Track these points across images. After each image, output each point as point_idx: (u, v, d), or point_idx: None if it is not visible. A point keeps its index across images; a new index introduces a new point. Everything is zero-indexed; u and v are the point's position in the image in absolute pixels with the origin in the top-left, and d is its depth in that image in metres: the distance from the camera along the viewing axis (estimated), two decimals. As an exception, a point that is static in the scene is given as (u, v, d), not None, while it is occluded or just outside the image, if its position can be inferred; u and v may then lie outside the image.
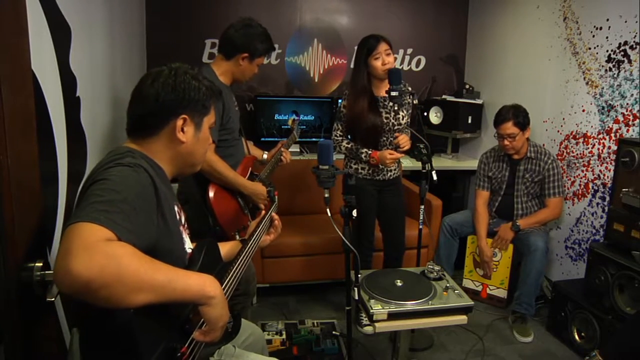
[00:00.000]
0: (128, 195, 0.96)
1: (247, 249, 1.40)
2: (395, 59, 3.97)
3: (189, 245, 1.25)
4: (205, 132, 1.26)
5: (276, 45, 3.73)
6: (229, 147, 2.16)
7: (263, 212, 1.66)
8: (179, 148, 1.20)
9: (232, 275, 1.26)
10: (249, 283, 2.28)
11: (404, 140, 2.51)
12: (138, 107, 1.19)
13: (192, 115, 1.20)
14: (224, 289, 1.19)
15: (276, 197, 1.84)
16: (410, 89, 2.68)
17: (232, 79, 2.17)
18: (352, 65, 3.86)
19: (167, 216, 1.11)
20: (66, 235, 0.88)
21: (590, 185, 2.88)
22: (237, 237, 1.67)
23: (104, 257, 0.85)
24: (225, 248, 1.52)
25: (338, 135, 2.67)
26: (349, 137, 2.69)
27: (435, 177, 2.38)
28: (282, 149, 2.47)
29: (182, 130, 1.19)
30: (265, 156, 2.51)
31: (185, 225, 1.28)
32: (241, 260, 1.34)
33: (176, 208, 1.22)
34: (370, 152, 2.56)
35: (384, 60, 2.48)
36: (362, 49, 2.52)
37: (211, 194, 2.05)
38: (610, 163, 2.72)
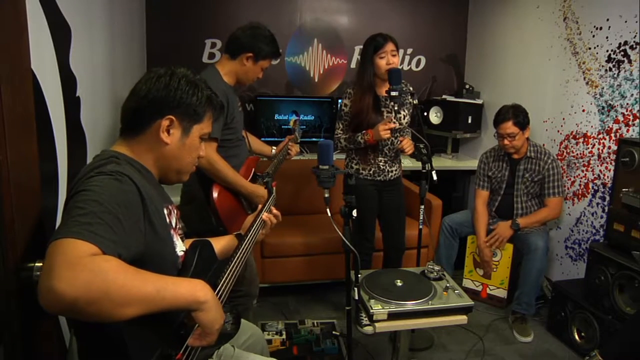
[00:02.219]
0: (111, 206, 0.94)
1: (244, 245, 1.39)
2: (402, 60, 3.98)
3: (180, 248, 1.22)
4: (193, 140, 1.22)
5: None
6: (233, 147, 2.16)
7: (260, 205, 1.64)
8: (162, 150, 1.18)
9: (229, 274, 1.25)
10: (251, 284, 2.27)
11: (408, 145, 2.51)
12: (128, 101, 1.19)
13: (180, 118, 1.17)
14: (220, 287, 1.18)
15: (274, 188, 1.82)
16: (411, 88, 2.68)
17: (236, 80, 2.17)
18: (352, 65, 3.92)
19: (155, 222, 1.08)
20: (49, 253, 0.86)
21: (590, 185, 2.88)
22: None
23: (89, 273, 0.83)
24: (221, 243, 1.50)
25: (338, 133, 2.67)
26: None
27: (435, 177, 2.38)
28: (290, 143, 2.49)
29: (168, 131, 1.17)
30: (273, 151, 2.53)
31: (177, 228, 1.26)
32: (238, 257, 1.33)
33: (166, 211, 1.19)
34: (364, 132, 2.54)
35: (389, 60, 2.48)
36: (369, 46, 2.51)
37: (215, 194, 2.05)
38: (610, 163, 2.72)
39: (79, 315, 0.84)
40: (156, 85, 1.16)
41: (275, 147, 2.55)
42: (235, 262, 1.31)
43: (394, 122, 2.47)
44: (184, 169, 1.26)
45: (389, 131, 2.46)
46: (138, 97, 1.16)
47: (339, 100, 3.69)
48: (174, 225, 1.23)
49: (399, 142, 2.55)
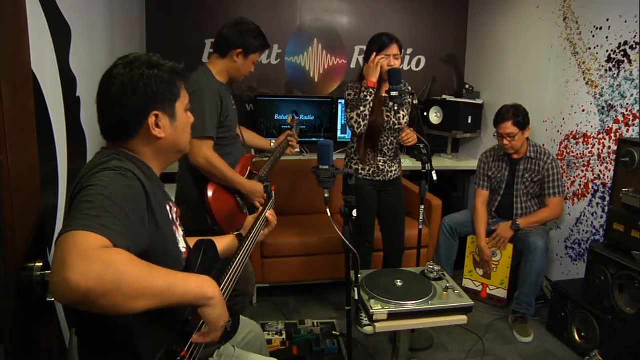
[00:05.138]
0: (118, 200, 0.95)
1: (245, 246, 1.40)
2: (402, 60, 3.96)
3: (183, 245, 1.23)
4: (182, 117, 1.20)
5: (275, 45, 3.74)
6: (227, 146, 2.16)
7: (260, 207, 1.65)
8: (159, 144, 1.17)
9: (231, 274, 1.26)
10: (248, 283, 2.27)
11: (409, 135, 2.48)
12: (105, 115, 1.14)
13: (162, 108, 1.14)
14: (222, 287, 1.19)
15: (273, 192, 1.83)
16: (410, 88, 2.68)
17: (229, 78, 2.17)
18: (352, 65, 3.92)
19: (159, 217, 1.09)
20: (60, 246, 0.86)
21: (590, 185, 2.88)
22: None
23: (102, 265, 0.83)
24: (224, 244, 1.51)
25: (349, 116, 2.56)
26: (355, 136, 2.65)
27: (435, 177, 2.37)
28: (289, 138, 2.49)
29: (158, 125, 1.14)
30: (272, 144, 2.53)
31: (179, 224, 1.27)
32: (240, 258, 1.34)
33: (168, 207, 1.19)
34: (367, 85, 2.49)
35: (391, 62, 2.46)
36: (374, 44, 2.49)
37: (210, 193, 2.05)
38: (610, 163, 2.72)
39: (90, 306, 0.84)
40: (124, 90, 1.10)
41: (274, 141, 2.54)
42: (238, 262, 1.31)
43: (381, 57, 2.44)
44: (183, 147, 1.25)
45: (380, 62, 2.42)
46: (113, 110, 1.12)
47: (339, 101, 3.71)
48: (176, 221, 1.24)
49: (398, 141, 2.54)
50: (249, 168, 2.29)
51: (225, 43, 2.11)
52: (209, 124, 2.00)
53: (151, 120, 1.13)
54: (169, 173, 2.43)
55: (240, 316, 1.28)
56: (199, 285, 0.99)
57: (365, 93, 2.48)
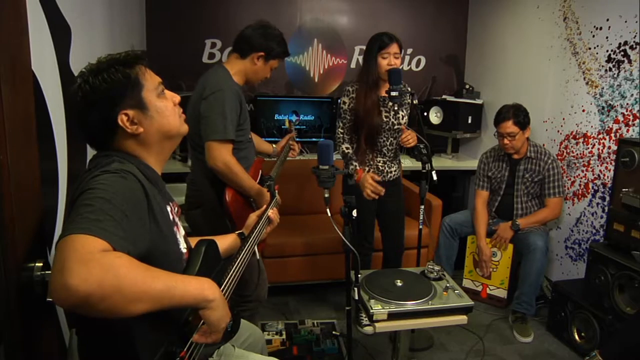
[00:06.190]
0: (118, 203, 0.94)
1: (247, 244, 1.39)
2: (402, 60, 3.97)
3: (183, 245, 1.23)
4: (155, 103, 1.14)
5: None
6: (243, 150, 2.12)
7: (264, 205, 1.65)
8: (142, 138, 1.14)
9: (232, 273, 1.25)
10: (262, 289, 2.24)
11: (409, 136, 2.48)
12: (80, 131, 1.14)
13: (127, 106, 1.10)
14: (223, 287, 1.19)
15: (276, 190, 1.83)
16: (409, 89, 2.68)
17: (245, 79, 2.14)
18: (352, 65, 3.92)
19: (159, 219, 1.09)
20: (60, 249, 0.86)
21: (590, 185, 2.88)
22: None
23: (102, 269, 0.83)
24: (226, 243, 1.51)
25: (339, 133, 2.64)
26: (355, 135, 2.65)
27: (435, 177, 2.37)
28: (291, 142, 2.47)
29: (134, 122, 1.11)
30: (274, 148, 2.52)
31: (179, 225, 1.26)
32: (242, 256, 1.33)
33: (169, 208, 1.18)
34: (357, 168, 2.52)
35: (391, 61, 2.46)
36: (374, 44, 2.49)
37: (228, 197, 2.01)
38: (610, 163, 2.72)
39: (90, 310, 0.84)
40: (81, 109, 1.09)
41: (275, 145, 2.54)
42: (240, 261, 1.31)
43: (381, 190, 2.46)
44: (174, 131, 1.19)
45: (372, 192, 2.44)
46: (83, 127, 1.12)
47: (339, 100, 3.71)
48: (176, 222, 1.23)
49: (398, 142, 2.54)
50: (260, 172, 2.28)
51: (247, 44, 2.08)
52: (229, 127, 1.95)
53: (121, 121, 1.10)
54: (176, 173, 2.43)
55: (241, 319, 1.28)
56: (198, 288, 0.99)
57: (350, 170, 2.45)
